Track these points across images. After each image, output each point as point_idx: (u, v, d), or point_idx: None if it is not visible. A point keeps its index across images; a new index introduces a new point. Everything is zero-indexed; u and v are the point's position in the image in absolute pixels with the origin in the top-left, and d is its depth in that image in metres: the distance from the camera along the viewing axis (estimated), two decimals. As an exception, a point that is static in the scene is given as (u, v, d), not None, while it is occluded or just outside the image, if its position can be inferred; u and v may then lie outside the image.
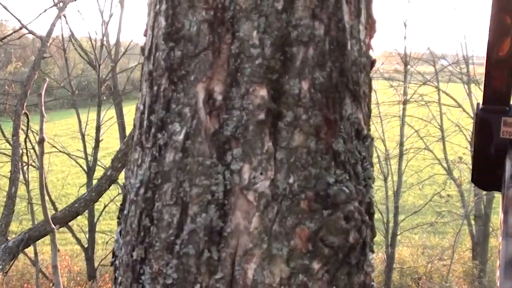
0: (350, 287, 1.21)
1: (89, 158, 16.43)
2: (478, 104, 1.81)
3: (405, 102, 15.53)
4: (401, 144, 15.60)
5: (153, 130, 1.26)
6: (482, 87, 1.79)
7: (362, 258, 1.23)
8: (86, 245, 16.35)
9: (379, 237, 16.91)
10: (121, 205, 1.37)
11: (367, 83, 1.32)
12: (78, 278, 17.14)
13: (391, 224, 15.74)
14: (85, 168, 16.53)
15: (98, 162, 16.31)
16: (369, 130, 1.32)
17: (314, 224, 1.15)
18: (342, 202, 1.17)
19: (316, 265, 1.16)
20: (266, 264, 1.15)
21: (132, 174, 1.32)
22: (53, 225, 4.37)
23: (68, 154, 17.03)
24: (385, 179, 15.61)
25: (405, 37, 16.16)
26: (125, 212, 1.32)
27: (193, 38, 1.21)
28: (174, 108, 1.22)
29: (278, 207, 1.15)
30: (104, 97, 16.66)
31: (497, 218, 15.96)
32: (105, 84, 15.89)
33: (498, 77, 1.68)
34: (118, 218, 1.37)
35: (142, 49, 1.37)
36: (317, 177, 1.16)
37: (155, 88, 1.27)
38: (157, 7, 1.29)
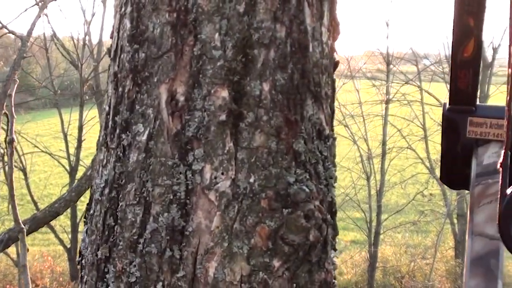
0: (311, 284, 1.23)
1: (72, 158, 16.37)
2: (444, 104, 1.84)
3: (387, 102, 15.59)
4: (384, 143, 15.66)
5: (117, 131, 1.27)
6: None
7: (323, 256, 1.25)
8: (68, 246, 16.29)
9: (362, 236, 16.99)
10: (87, 205, 1.39)
11: (330, 84, 1.34)
12: (61, 279, 17.07)
13: (374, 223, 15.80)
14: (68, 168, 16.48)
15: (81, 162, 16.25)
16: (331, 130, 1.34)
17: (274, 222, 1.17)
18: (302, 201, 1.19)
19: (276, 263, 1.18)
20: (227, 262, 1.16)
21: (97, 174, 1.34)
22: (22, 225, 4.37)
23: (50, 154, 16.97)
24: (368, 179, 15.67)
25: (387, 37, 16.24)
26: (91, 211, 1.34)
27: (156, 40, 1.22)
28: (138, 109, 1.24)
29: (238, 206, 1.17)
30: (87, 97, 16.59)
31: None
32: (87, 84, 15.83)
33: (463, 77, 1.70)
34: (85, 217, 1.39)
35: (109, 50, 1.39)
36: (278, 177, 1.18)
37: (120, 89, 1.28)
38: (123, 9, 1.30)
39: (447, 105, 1.82)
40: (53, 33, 16.07)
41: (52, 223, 12.71)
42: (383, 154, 15.55)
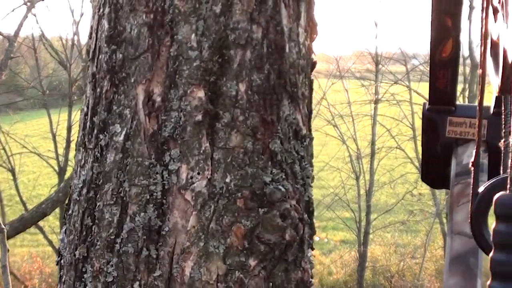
0: (287, 283, 1.24)
1: (60, 158, 16.29)
2: (424, 104, 1.85)
3: (376, 101, 15.60)
4: (373, 143, 15.67)
5: (95, 131, 1.28)
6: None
7: (299, 255, 1.26)
8: (57, 247, 16.20)
9: (351, 236, 17.00)
10: (66, 205, 1.39)
11: (307, 84, 1.35)
12: (50, 280, 17.00)
13: (363, 223, 15.81)
14: (57, 168, 16.41)
15: (69, 163, 16.16)
16: (309, 130, 1.35)
17: (250, 222, 1.18)
18: (278, 200, 1.20)
19: (252, 262, 1.19)
20: (203, 262, 1.17)
21: (75, 174, 1.34)
22: (2, 225, 4.36)
23: (39, 155, 16.90)
24: (357, 178, 15.67)
25: (376, 37, 16.27)
26: (70, 212, 1.34)
27: (133, 41, 1.23)
28: (115, 110, 1.24)
29: (214, 206, 1.17)
30: (75, 97, 16.51)
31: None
32: (76, 84, 15.77)
33: (442, 77, 1.71)
34: (64, 217, 1.39)
35: (88, 51, 1.39)
36: (254, 177, 1.19)
37: (98, 90, 1.29)
38: (101, 10, 1.31)
39: (427, 105, 1.83)
40: (41, 33, 16.02)
41: (41, 223, 12.68)
42: (372, 154, 15.56)
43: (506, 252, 0.82)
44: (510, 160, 0.83)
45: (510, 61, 0.82)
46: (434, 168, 1.91)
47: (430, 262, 17.41)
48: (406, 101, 16.42)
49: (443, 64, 1.66)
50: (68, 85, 15.81)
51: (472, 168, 1.06)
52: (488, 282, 0.83)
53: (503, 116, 1.10)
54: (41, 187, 20.17)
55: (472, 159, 1.06)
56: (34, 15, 13.13)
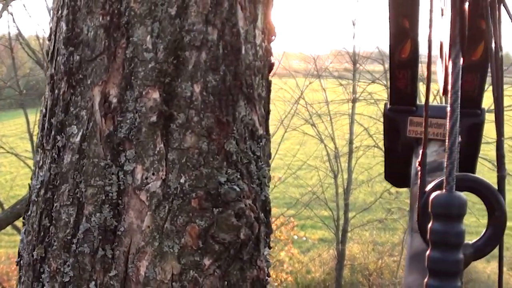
0: (242, 282, 1.25)
1: (38, 158, 16.18)
2: (386, 104, 1.87)
3: (354, 100, 15.68)
4: (351, 142, 15.74)
5: (53, 132, 1.29)
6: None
7: (255, 254, 1.27)
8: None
9: (329, 234, 17.06)
10: (26, 205, 1.40)
11: (265, 86, 1.36)
12: (28, 280, 16.89)
13: (341, 222, 15.88)
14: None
15: (47, 163, 16.08)
16: (266, 131, 1.37)
17: (205, 222, 1.19)
18: (233, 200, 1.21)
19: (207, 261, 1.20)
20: (158, 261, 1.18)
21: (34, 175, 1.35)
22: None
23: (16, 155, 16.78)
24: (335, 177, 15.73)
25: (353, 36, 16.33)
26: (29, 212, 1.35)
27: (90, 42, 1.24)
28: (72, 111, 1.25)
29: (169, 206, 1.19)
30: (53, 97, 16.42)
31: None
32: (53, 84, 15.67)
33: (402, 78, 1.73)
34: (23, 218, 1.40)
35: (47, 53, 1.40)
36: (208, 177, 1.21)
37: (56, 91, 1.30)
38: (59, 12, 1.32)
39: (388, 105, 1.86)
40: (18, 32, 15.89)
41: (19, 224, 12.59)
42: (350, 152, 15.64)
43: (441, 250, 0.84)
44: (445, 161, 0.85)
45: (444, 63, 0.84)
46: (396, 167, 1.93)
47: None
48: (384, 100, 16.50)
49: (402, 64, 1.68)
50: (45, 84, 15.72)
51: (419, 168, 1.08)
52: (425, 280, 0.85)
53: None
54: (18, 188, 20.03)
55: (419, 159, 1.09)
56: (11, 13, 13.06)
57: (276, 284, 15.41)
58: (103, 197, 1.20)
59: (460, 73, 0.87)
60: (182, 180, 1.19)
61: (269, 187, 1.35)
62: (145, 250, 1.19)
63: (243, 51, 1.28)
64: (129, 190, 1.20)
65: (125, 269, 1.19)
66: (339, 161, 15.79)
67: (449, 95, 0.87)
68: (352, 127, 15.78)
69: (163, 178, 1.19)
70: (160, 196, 1.19)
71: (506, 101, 16.99)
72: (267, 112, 1.39)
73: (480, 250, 1.04)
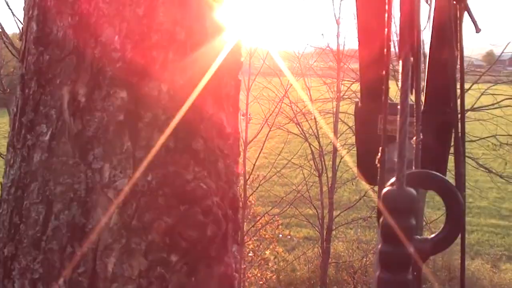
0: (210, 278, 1.27)
1: (22, 158, 16.12)
2: (357, 102, 1.90)
3: (338, 99, 15.70)
4: (335, 140, 15.77)
5: (23, 131, 1.30)
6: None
7: (222, 250, 1.30)
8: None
9: (314, 233, 17.10)
10: (0, 204, 1.41)
11: (233, 85, 1.39)
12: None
13: (326, 220, 15.90)
14: (18, 168, 16.23)
15: (31, 162, 16.01)
16: (234, 129, 1.39)
17: (172, 219, 1.21)
18: (200, 197, 1.23)
19: (174, 258, 1.22)
20: (125, 258, 1.20)
21: (5, 174, 1.36)
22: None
23: (0, 155, 16.70)
24: (320, 175, 15.76)
25: (337, 35, 16.34)
26: (0, 211, 1.36)
27: (59, 42, 1.26)
28: (42, 110, 1.27)
29: (136, 203, 1.20)
30: (37, 96, 16.36)
31: (430, 212, 16.31)
32: (37, 83, 15.61)
33: (373, 77, 1.76)
34: (-5, 216, 1.41)
35: (19, 52, 1.41)
36: (175, 175, 1.22)
37: (26, 90, 1.31)
38: (30, 12, 1.33)
39: (359, 104, 1.88)
40: (1, 30, 15.81)
41: None
42: (335, 151, 15.66)
43: (390, 243, 0.86)
44: (397, 159, 0.88)
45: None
46: (368, 165, 1.96)
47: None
48: (368, 98, 16.48)
49: (373, 64, 1.71)
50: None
51: (378, 165, 1.10)
52: (377, 273, 0.88)
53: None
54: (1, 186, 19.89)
55: (378, 156, 1.11)
56: (-7, 12, 12.98)
57: (261, 282, 15.43)
58: (72, 195, 1.22)
59: (410, 72, 0.89)
60: (149, 178, 1.21)
61: (238, 184, 1.37)
62: (113, 247, 1.20)
63: (210, 51, 1.30)
64: (97, 188, 1.21)
65: (93, 265, 1.21)
66: (324, 159, 15.81)
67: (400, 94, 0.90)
68: (336, 126, 15.80)
69: (130, 176, 1.21)
70: (127, 194, 1.20)
71: (489, 100, 17.10)
72: (236, 110, 1.41)
73: (439, 244, 1.07)
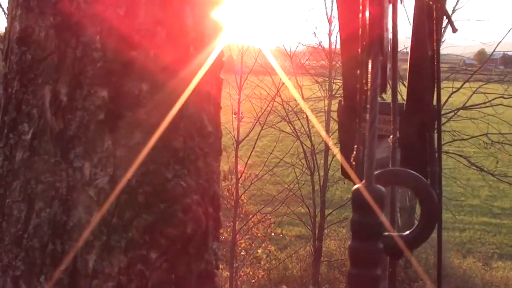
0: (190, 275, 1.29)
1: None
2: (340, 101, 1.91)
3: (330, 98, 15.72)
4: (327, 139, 15.79)
5: (5, 130, 1.31)
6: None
7: (202, 248, 1.31)
8: None
9: (306, 231, 17.13)
10: (-19, 202, 1.42)
11: (215, 83, 1.40)
12: None
13: (318, 218, 15.94)
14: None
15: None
16: (215, 127, 1.40)
17: (152, 216, 1.23)
18: (180, 195, 1.25)
19: (154, 255, 1.23)
20: (105, 255, 1.22)
21: (-12, 172, 1.37)
22: None
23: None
24: (312, 174, 15.80)
25: (329, 34, 16.36)
26: (-18, 209, 1.37)
27: (41, 42, 1.27)
28: (24, 109, 1.28)
29: (117, 201, 1.22)
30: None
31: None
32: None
33: (354, 77, 1.77)
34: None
35: (2, 52, 1.42)
36: (155, 173, 1.24)
37: (9, 90, 1.32)
38: (14, 12, 1.35)
39: (342, 102, 1.90)
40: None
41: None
42: (326, 149, 15.69)
43: (358, 239, 0.88)
44: (366, 157, 0.90)
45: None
46: (351, 163, 1.98)
47: (384, 256, 17.57)
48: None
49: (353, 63, 1.72)
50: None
51: (354, 163, 1.12)
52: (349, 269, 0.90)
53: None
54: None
55: (353, 154, 1.13)
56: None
57: (253, 281, 15.46)
58: (53, 193, 1.23)
59: (379, 72, 0.91)
60: (129, 176, 1.22)
61: (219, 182, 1.38)
62: (93, 244, 1.22)
63: (191, 50, 1.31)
64: (78, 186, 1.23)
65: (74, 262, 1.22)
66: (316, 158, 15.84)
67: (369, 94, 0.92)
68: (328, 124, 15.82)
69: (111, 174, 1.22)
70: (108, 192, 1.22)
71: (481, 99, 17.15)
72: (217, 109, 1.42)
73: (413, 240, 1.09)
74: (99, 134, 1.22)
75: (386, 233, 1.14)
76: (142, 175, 1.23)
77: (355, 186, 0.89)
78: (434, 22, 1.21)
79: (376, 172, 1.06)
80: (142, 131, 1.24)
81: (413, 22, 1.55)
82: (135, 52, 1.24)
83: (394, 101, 1.18)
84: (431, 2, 1.20)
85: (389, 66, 1.25)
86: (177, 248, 1.25)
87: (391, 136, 1.19)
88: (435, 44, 1.31)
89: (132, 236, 1.22)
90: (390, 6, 1.06)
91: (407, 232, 1.09)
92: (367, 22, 0.96)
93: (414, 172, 1.10)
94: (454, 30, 1.35)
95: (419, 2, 1.31)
